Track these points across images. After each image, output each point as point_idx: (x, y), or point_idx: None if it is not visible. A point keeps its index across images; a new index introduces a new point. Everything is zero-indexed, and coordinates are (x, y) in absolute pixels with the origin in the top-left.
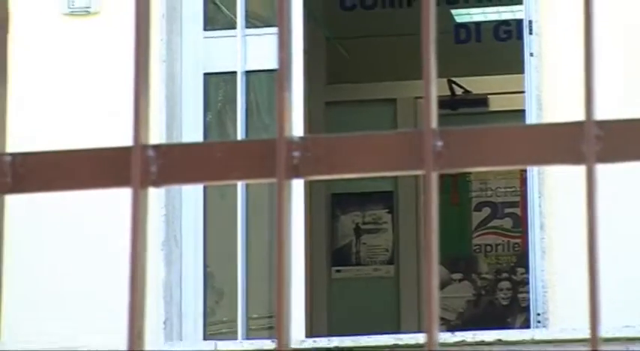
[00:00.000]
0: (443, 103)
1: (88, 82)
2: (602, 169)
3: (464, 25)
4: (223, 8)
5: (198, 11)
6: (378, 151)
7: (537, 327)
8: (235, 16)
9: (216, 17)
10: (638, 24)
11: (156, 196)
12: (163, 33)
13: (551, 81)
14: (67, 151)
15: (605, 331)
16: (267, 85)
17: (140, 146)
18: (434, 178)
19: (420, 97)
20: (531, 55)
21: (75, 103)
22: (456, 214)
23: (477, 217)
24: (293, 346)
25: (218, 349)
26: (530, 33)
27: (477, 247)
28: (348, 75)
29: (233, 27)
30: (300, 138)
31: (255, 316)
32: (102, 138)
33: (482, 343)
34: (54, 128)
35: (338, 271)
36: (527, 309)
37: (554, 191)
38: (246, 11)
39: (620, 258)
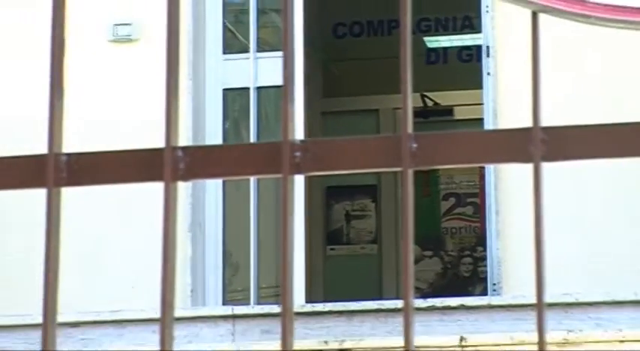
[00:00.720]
0: (416, 113)
1: (129, 95)
2: (547, 167)
3: (434, 50)
4: (239, 35)
5: (218, 38)
6: (364, 152)
7: (493, 294)
8: (248, 42)
9: (233, 43)
10: (572, 49)
11: (184, 188)
12: (190, 56)
13: (504, 95)
14: (111, 152)
15: (548, 298)
16: (275, 98)
17: (171, 148)
18: (410, 173)
19: (398, 108)
20: (488, 74)
21: (118, 112)
22: (428, 203)
23: (444, 205)
24: (295, 309)
25: (234, 312)
26: (488, 56)
27: (445, 229)
28: (339, 90)
29: (246, 51)
30: (301, 141)
31: (264, 285)
32: (140, 141)
33: (448, 307)
34: (102, 133)
35: (332, 249)
36: (484, 280)
37: (507, 184)
38: (257, 38)
39: (560, 237)
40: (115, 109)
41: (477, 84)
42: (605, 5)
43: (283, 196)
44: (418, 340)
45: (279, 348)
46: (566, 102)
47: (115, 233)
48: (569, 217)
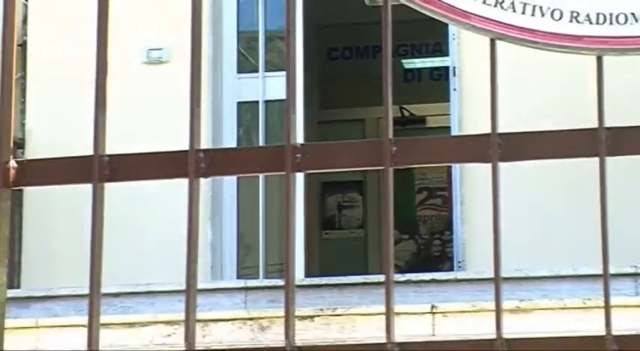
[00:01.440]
0: (396, 121)
1: (160, 107)
2: (503, 165)
3: (410, 70)
4: (250, 58)
5: (233, 60)
6: (353, 154)
7: (458, 270)
8: (258, 64)
9: (245, 64)
10: (534, 69)
11: (205, 183)
12: (210, 75)
13: (467, 107)
14: (145, 154)
15: (503, 273)
16: (279, 109)
17: (194, 150)
18: (390, 171)
19: (381, 118)
20: (454, 90)
21: (151, 121)
22: (405, 196)
23: (418, 197)
24: (296, 283)
25: (247, 285)
26: (454, 75)
27: (419, 217)
28: (333, 103)
29: (256, 71)
30: (301, 145)
31: (270, 263)
32: (169, 145)
33: (421, 281)
34: (137, 138)
35: (326, 233)
36: (451, 258)
37: (470, 180)
38: (265, 61)
39: (514, 223)
40: (148, 119)
41: (445, 98)
42: (550, 33)
43: (286, 190)
44: (397, 308)
45: (283, 314)
46: (529, 115)
47: (149, 221)
48: (521, 206)
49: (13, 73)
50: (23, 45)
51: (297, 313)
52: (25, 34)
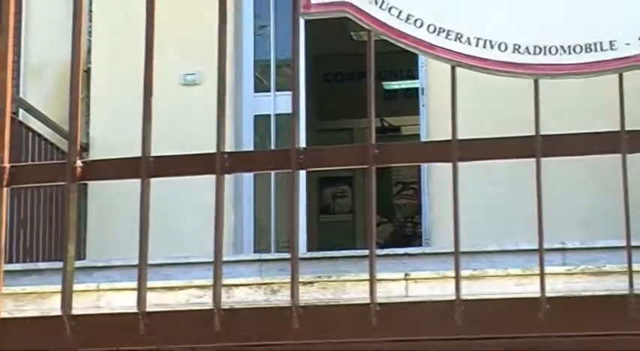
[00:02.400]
0: (377, 130)
1: (193, 121)
2: (460, 164)
3: (389, 90)
4: (264, 81)
5: (251, 82)
6: (344, 156)
7: (426, 246)
8: (270, 85)
9: (260, 85)
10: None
11: (228, 178)
12: (233, 93)
13: (433, 119)
14: (182, 155)
15: (461, 248)
16: (287, 121)
17: (220, 153)
18: (373, 169)
19: (366, 127)
20: (423, 106)
21: (186, 132)
22: (384, 188)
23: (395, 189)
24: (299, 256)
25: (261, 258)
26: (422, 94)
27: (395, 204)
28: (329, 115)
29: (269, 90)
30: (303, 148)
31: (280, 241)
32: (200, 149)
33: (397, 254)
34: (175, 144)
35: (323, 217)
36: (420, 237)
37: (435, 176)
38: (275, 83)
39: (470, 209)
40: (184, 129)
41: (416, 112)
42: (497, 62)
43: (292, 184)
44: (378, 275)
45: (290, 280)
46: (482, 126)
47: (186, 208)
48: (474, 196)
49: (79, 93)
50: (88, 71)
51: (300, 279)
52: (89, 62)
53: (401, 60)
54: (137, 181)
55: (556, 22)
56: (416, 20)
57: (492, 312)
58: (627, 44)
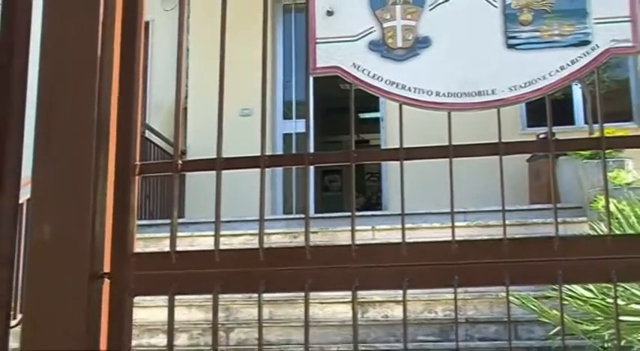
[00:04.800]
0: (356, 142)
1: (247, 141)
2: (406, 162)
3: (363, 118)
4: (288, 112)
5: (280, 112)
6: (336, 157)
7: (384, 210)
8: (292, 114)
9: (287, 115)
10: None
11: (267, 171)
12: (271, 121)
13: (389, 135)
14: (241, 157)
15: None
16: (302, 137)
17: (263, 155)
18: (352, 166)
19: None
20: (383, 127)
21: (242, 146)
22: (360, 176)
23: (366, 177)
24: (310, 216)
25: (287, 217)
26: (382, 121)
27: (367, 185)
28: (327, 133)
29: (291, 118)
30: (312, 153)
31: (298, 206)
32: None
33: (366, 215)
34: (234, 152)
35: (324, 194)
36: (381, 204)
37: (390, 169)
38: (296, 113)
39: (412, 186)
40: (241, 145)
41: (378, 131)
42: (427, 102)
43: (305, 174)
44: (356, 228)
45: (304, 230)
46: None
47: (242, 188)
48: (415, 178)
49: (180, 118)
50: (185, 108)
51: (310, 230)
52: (187, 101)
53: (369, 100)
54: (214, 172)
55: (464, 77)
56: (378, 77)
57: (424, 249)
58: (502, 91)
